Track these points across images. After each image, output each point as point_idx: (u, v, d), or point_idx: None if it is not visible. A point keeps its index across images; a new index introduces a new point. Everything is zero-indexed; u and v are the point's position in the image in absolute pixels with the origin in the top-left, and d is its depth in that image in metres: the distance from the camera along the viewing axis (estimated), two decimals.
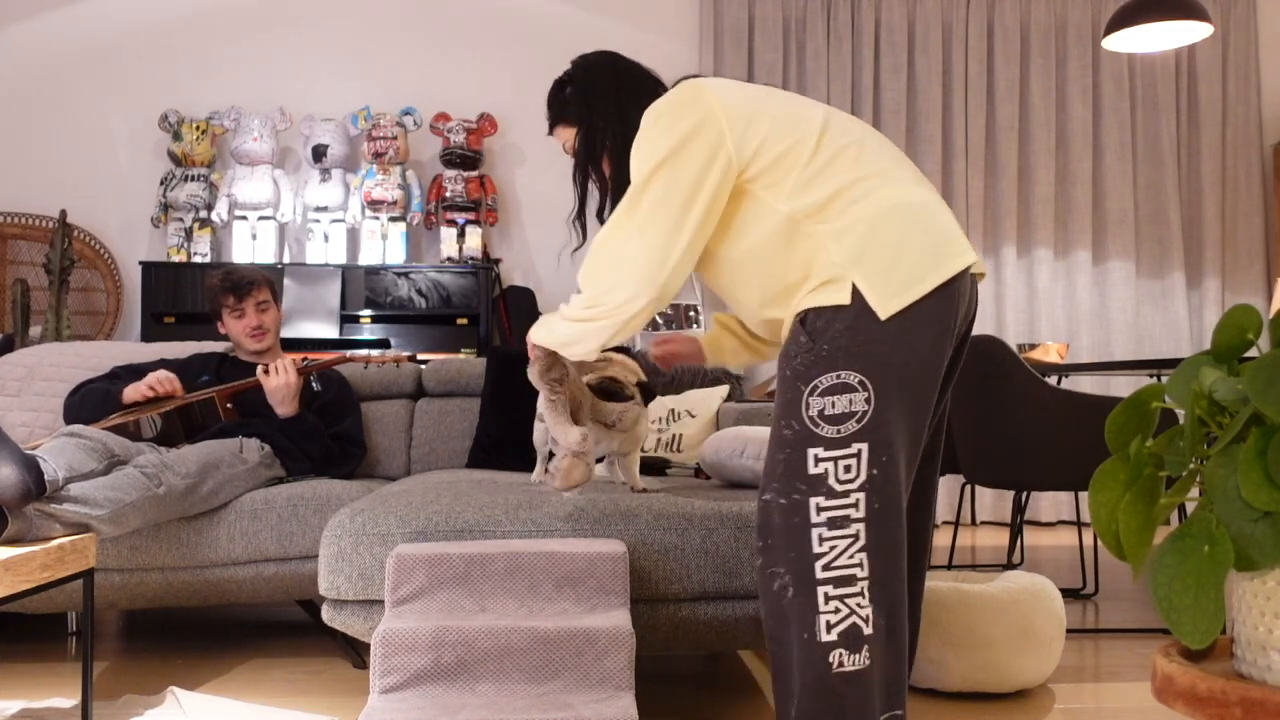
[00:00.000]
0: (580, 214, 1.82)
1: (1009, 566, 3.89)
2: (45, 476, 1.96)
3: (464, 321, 5.04)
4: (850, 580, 1.43)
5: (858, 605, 1.43)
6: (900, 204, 1.53)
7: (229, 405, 2.79)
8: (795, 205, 1.54)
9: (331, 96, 5.37)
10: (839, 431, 1.46)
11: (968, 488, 5.58)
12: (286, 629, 2.98)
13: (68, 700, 2.21)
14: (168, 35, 5.33)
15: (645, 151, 1.58)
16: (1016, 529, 3.92)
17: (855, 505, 1.45)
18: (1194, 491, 1.05)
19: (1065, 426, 2.98)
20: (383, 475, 3.20)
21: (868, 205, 1.52)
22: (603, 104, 1.74)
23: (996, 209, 5.51)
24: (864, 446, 1.45)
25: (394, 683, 1.62)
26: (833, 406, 1.46)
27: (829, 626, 1.43)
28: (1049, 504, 5.49)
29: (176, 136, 4.97)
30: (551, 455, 2.37)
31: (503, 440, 3.09)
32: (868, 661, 1.43)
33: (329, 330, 4.83)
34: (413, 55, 5.42)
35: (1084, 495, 5.33)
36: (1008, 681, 2.25)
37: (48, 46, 5.29)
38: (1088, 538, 4.90)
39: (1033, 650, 2.25)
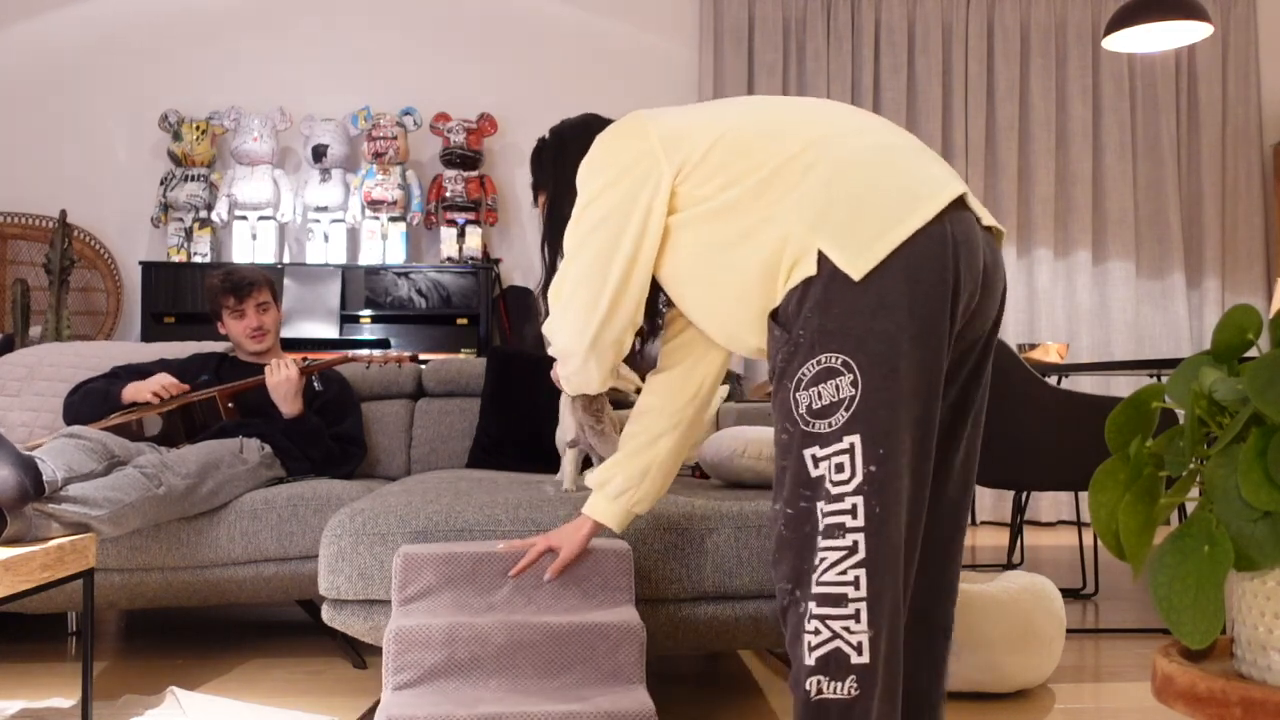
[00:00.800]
0: (548, 284, 1.64)
1: (1009, 566, 3.89)
2: (44, 477, 1.96)
3: (464, 321, 5.04)
4: (839, 600, 1.25)
5: (845, 629, 1.25)
6: (859, 153, 1.33)
7: (230, 405, 2.79)
8: (743, 187, 1.36)
9: (331, 96, 5.37)
10: (830, 425, 1.26)
11: None
12: (286, 629, 2.98)
13: (68, 700, 2.21)
14: (168, 35, 5.33)
15: (579, 200, 1.49)
16: (1016, 529, 3.92)
17: (852, 511, 1.25)
18: (1194, 491, 1.05)
19: (1065, 426, 2.98)
20: (383, 475, 3.20)
21: (823, 167, 1.32)
22: (568, 171, 1.60)
23: (997, 209, 5.51)
24: (856, 439, 1.25)
25: (408, 679, 1.63)
26: (819, 398, 1.27)
27: (810, 649, 1.26)
28: (1049, 504, 5.49)
29: (176, 136, 4.97)
30: (588, 462, 2.39)
31: (503, 440, 3.09)
32: (854, 692, 1.24)
33: (329, 330, 4.83)
34: (413, 55, 5.42)
35: (1084, 495, 5.34)
36: (1008, 681, 2.25)
37: (48, 46, 5.29)
38: (1088, 538, 4.90)
39: (1033, 650, 2.25)
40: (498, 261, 5.23)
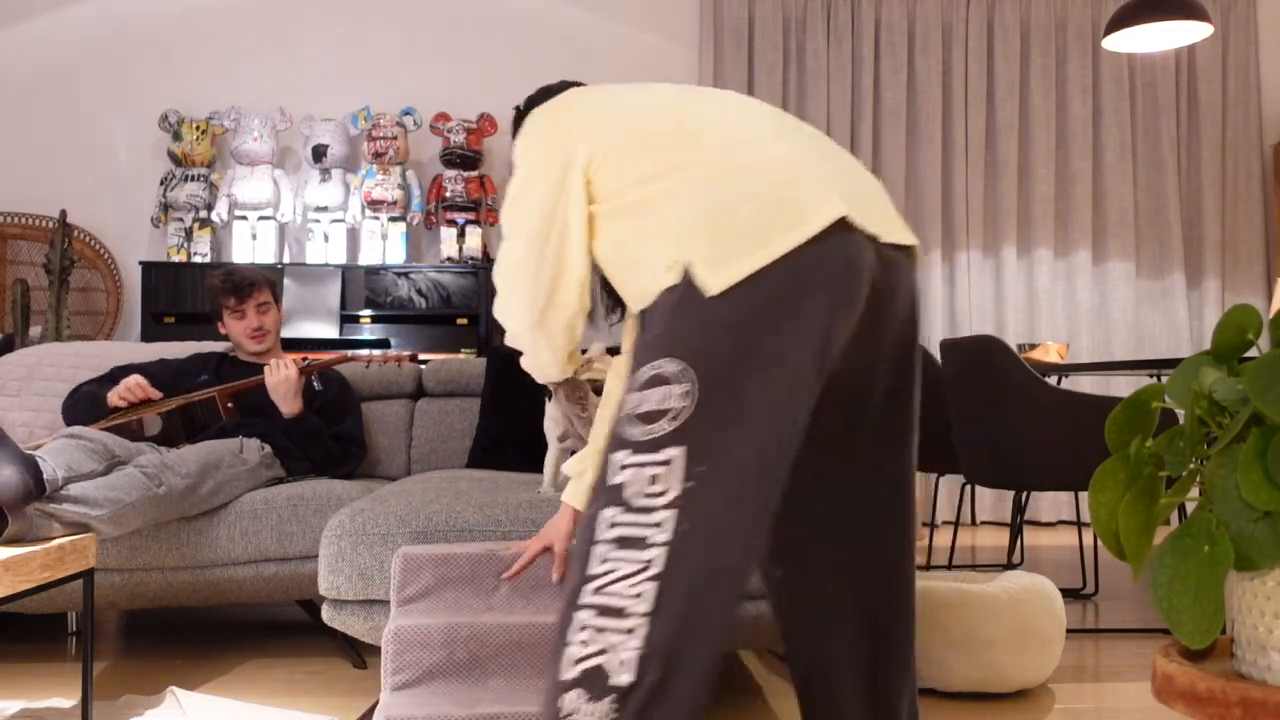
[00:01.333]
0: None
1: (1009, 566, 3.89)
2: (45, 476, 1.96)
3: (464, 321, 5.04)
4: (618, 613, 1.12)
5: (617, 645, 1.11)
6: (754, 162, 1.26)
7: (230, 405, 2.79)
8: (646, 190, 1.30)
9: (331, 96, 5.37)
10: (648, 433, 1.17)
11: (968, 488, 5.58)
12: (286, 629, 2.98)
13: (68, 700, 2.21)
14: (168, 35, 5.34)
15: (513, 179, 1.46)
16: (1016, 529, 3.92)
17: (659, 526, 1.14)
18: (1194, 491, 1.05)
19: (1065, 426, 2.98)
20: (383, 475, 3.20)
21: (718, 173, 1.26)
22: None
23: (996, 209, 5.52)
24: (677, 453, 1.15)
25: (406, 679, 1.63)
26: (646, 401, 1.18)
27: (573, 660, 1.12)
28: (1049, 504, 5.49)
29: (176, 136, 4.97)
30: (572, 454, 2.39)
31: (503, 440, 3.09)
32: (611, 717, 1.09)
33: (329, 330, 4.83)
34: (413, 55, 5.42)
35: (1084, 495, 5.34)
36: (1008, 681, 2.25)
37: (48, 46, 5.29)
38: (1088, 538, 4.90)
39: (1033, 650, 2.25)
40: None
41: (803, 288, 1.18)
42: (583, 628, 1.13)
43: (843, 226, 1.22)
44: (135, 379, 2.79)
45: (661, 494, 1.15)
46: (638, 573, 1.13)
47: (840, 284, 1.21)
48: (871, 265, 1.25)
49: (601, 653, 1.11)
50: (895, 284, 1.30)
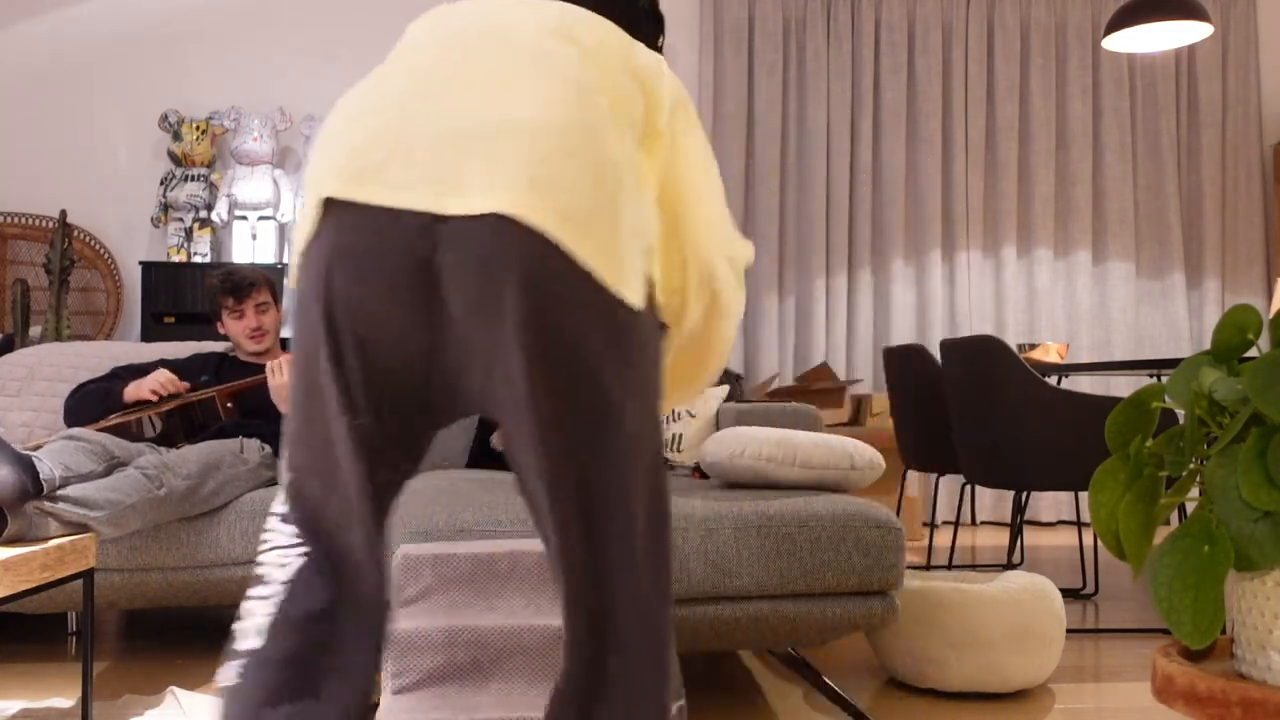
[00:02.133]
0: None
1: (1009, 566, 3.89)
2: (42, 476, 1.96)
3: None
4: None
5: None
6: (338, 123, 1.12)
7: (229, 405, 2.79)
8: None
9: (332, 96, 5.36)
10: None
11: (968, 488, 5.58)
12: None
13: (68, 700, 2.21)
14: (168, 35, 5.33)
15: None
16: (1016, 529, 3.92)
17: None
18: (1194, 491, 1.05)
19: (1065, 426, 2.98)
20: None
21: None
22: None
23: (996, 209, 5.52)
24: None
25: (407, 683, 1.63)
26: None
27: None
28: (1049, 504, 5.49)
29: (176, 136, 4.97)
30: None
31: None
32: None
33: None
34: None
35: (1084, 495, 5.33)
36: (1008, 681, 2.25)
37: (48, 46, 5.29)
38: (1088, 538, 4.90)
39: (1033, 650, 2.25)
40: None
41: (305, 287, 1.07)
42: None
43: (341, 207, 1.05)
44: (167, 374, 2.77)
45: None
46: None
47: (340, 274, 1.04)
48: (409, 242, 1.02)
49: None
50: (458, 264, 1.01)
